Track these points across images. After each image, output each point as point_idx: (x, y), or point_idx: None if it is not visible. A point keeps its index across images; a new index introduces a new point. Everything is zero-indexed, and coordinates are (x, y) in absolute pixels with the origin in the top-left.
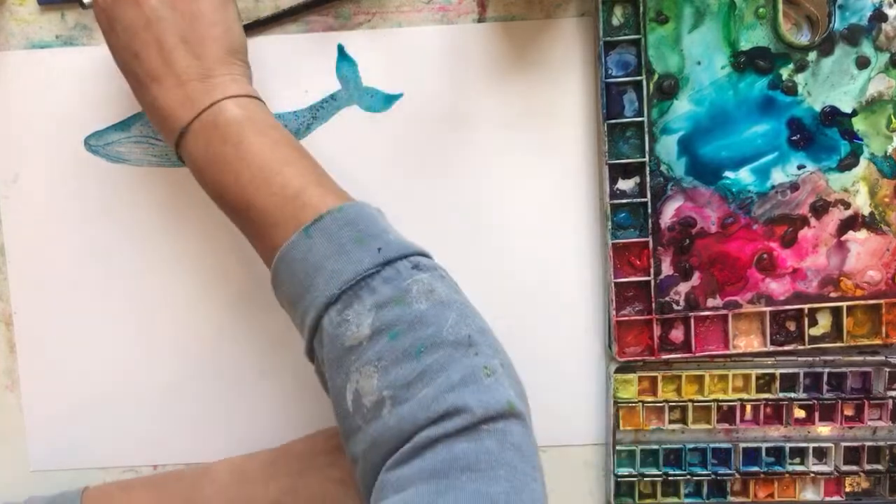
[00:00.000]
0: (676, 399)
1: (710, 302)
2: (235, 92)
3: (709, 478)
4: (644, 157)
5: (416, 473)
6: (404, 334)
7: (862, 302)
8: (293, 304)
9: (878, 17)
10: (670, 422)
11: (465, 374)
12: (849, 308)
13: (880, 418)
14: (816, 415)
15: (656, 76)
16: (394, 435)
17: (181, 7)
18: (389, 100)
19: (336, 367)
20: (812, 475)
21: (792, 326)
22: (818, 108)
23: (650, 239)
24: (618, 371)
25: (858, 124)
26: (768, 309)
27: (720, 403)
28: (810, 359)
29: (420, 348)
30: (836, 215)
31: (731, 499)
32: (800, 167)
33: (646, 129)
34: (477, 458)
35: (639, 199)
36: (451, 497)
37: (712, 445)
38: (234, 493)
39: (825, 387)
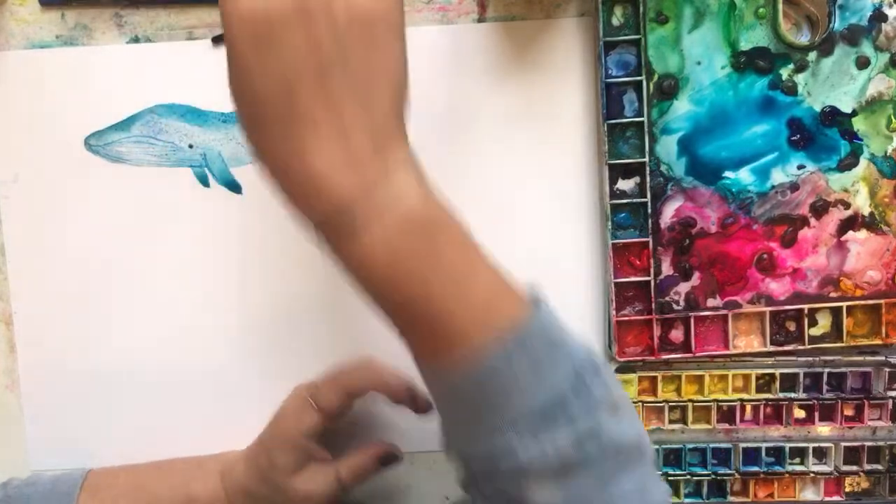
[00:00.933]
0: (676, 399)
1: (710, 302)
2: (412, 162)
3: (708, 478)
4: (644, 157)
5: None
6: (595, 460)
7: (862, 302)
8: (474, 416)
9: (878, 17)
10: (670, 422)
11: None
12: (849, 308)
13: (880, 418)
14: (816, 415)
15: (656, 76)
16: None
17: (366, 54)
18: None
19: (514, 483)
20: (812, 475)
21: (792, 326)
22: (818, 108)
23: (650, 239)
24: (618, 371)
25: (858, 124)
26: (768, 309)
27: (720, 403)
28: (810, 359)
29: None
30: (836, 215)
31: (730, 499)
32: (800, 167)
33: (646, 129)
34: None
35: (639, 199)
36: None
37: (712, 445)
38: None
39: (825, 387)
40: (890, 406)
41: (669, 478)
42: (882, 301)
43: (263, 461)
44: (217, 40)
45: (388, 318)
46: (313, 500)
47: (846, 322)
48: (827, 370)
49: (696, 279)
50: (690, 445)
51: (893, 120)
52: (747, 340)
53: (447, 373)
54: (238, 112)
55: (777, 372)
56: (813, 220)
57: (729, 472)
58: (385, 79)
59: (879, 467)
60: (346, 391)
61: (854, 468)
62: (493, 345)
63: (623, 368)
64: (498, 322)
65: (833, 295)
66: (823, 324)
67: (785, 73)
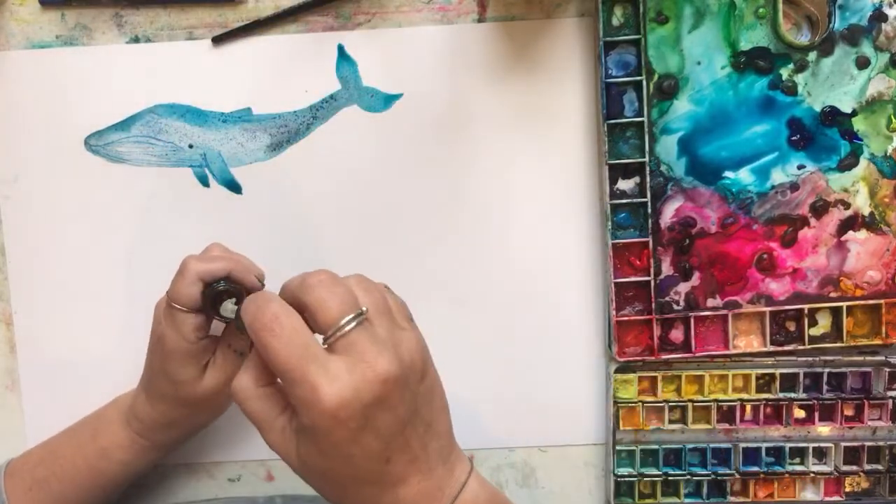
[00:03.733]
0: (676, 399)
1: (710, 302)
2: (468, 464)
3: (708, 478)
4: (644, 157)
5: None
6: None
7: (862, 302)
8: None
9: (878, 17)
10: (670, 422)
11: None
12: (849, 308)
13: (880, 418)
14: (816, 415)
15: (656, 76)
16: None
17: (425, 392)
18: (389, 100)
19: None
20: (812, 475)
21: (792, 326)
22: (818, 108)
23: (650, 239)
24: (618, 371)
25: (858, 124)
26: (768, 309)
27: (720, 403)
28: (810, 359)
29: None
30: (836, 215)
31: (730, 499)
32: (800, 167)
33: (646, 129)
34: None
35: (639, 199)
36: None
37: (712, 445)
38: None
39: (825, 387)
40: (890, 406)
41: (669, 478)
42: (882, 301)
43: (166, 387)
44: (217, 40)
45: None
46: (228, 384)
47: (846, 322)
48: (827, 370)
49: (696, 279)
50: (690, 445)
51: (893, 120)
52: (747, 340)
53: None
54: (319, 484)
55: (777, 372)
56: (813, 220)
57: (729, 472)
58: (441, 402)
59: (879, 467)
60: (200, 279)
61: (854, 468)
62: None
63: (623, 368)
64: None
65: (833, 295)
66: (823, 324)
67: (785, 73)
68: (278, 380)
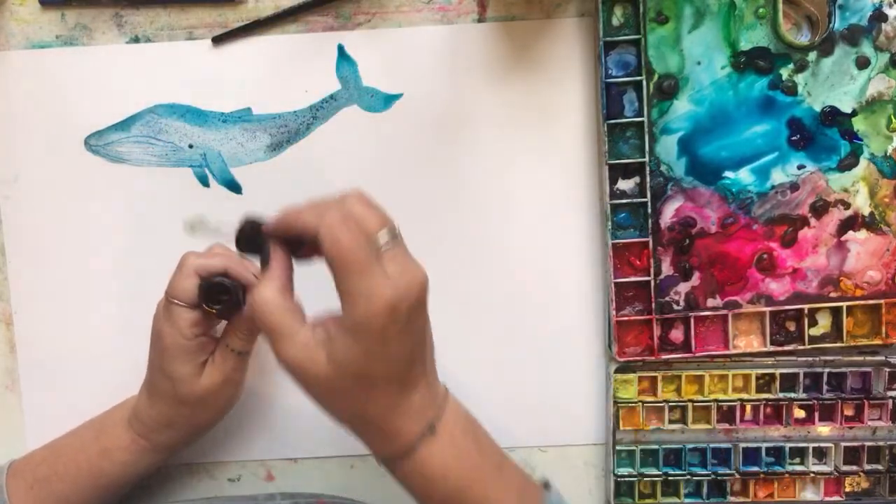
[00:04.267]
0: (676, 399)
1: (710, 302)
2: (443, 385)
3: (708, 478)
4: (644, 157)
5: None
6: None
7: (862, 302)
8: None
9: (878, 17)
10: (670, 422)
11: None
12: (849, 308)
13: (880, 418)
14: (816, 415)
15: (656, 76)
16: None
17: (425, 312)
18: (389, 100)
19: None
20: (812, 475)
21: (792, 326)
22: (818, 108)
23: (650, 239)
24: (618, 371)
25: (858, 124)
26: (768, 309)
27: (720, 403)
28: (810, 359)
29: None
30: (836, 215)
31: (730, 499)
32: (800, 167)
33: (646, 129)
34: None
35: (639, 199)
36: None
37: (712, 445)
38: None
39: (825, 387)
40: (890, 406)
41: (669, 478)
42: (882, 301)
43: (165, 384)
44: (217, 40)
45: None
46: (226, 385)
47: (846, 322)
48: (827, 370)
49: (696, 279)
50: (690, 445)
51: (893, 120)
52: (747, 340)
53: None
54: (346, 388)
55: (777, 372)
56: (813, 220)
57: (729, 472)
58: (430, 336)
59: (879, 467)
60: (196, 273)
61: (854, 468)
62: None
63: (623, 368)
64: (531, 501)
65: (833, 295)
66: (823, 324)
67: (785, 73)
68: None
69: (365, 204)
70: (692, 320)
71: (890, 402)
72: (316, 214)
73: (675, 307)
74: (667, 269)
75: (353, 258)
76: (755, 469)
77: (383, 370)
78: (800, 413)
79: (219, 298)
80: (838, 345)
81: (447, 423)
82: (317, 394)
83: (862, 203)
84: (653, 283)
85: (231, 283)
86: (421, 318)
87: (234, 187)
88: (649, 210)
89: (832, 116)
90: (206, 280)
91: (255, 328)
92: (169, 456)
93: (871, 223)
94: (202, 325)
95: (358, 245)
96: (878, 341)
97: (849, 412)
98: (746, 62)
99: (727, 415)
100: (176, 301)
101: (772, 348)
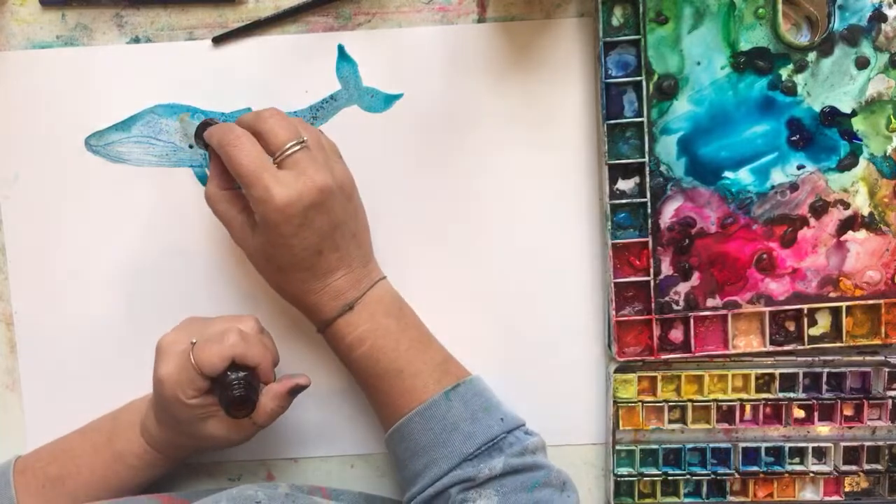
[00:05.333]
0: (676, 399)
1: (710, 302)
2: (382, 273)
3: (708, 478)
4: (644, 157)
5: None
6: (524, 473)
7: (861, 302)
8: (419, 453)
9: (878, 17)
10: (670, 422)
11: None
12: (848, 308)
13: (879, 418)
14: (816, 415)
15: (656, 76)
16: None
17: (352, 209)
18: (389, 100)
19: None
20: (811, 475)
21: (791, 326)
22: (818, 108)
23: (650, 239)
24: (617, 371)
25: (858, 124)
26: (768, 309)
27: (719, 403)
28: (809, 359)
29: (534, 484)
30: (836, 215)
31: (730, 498)
32: (799, 167)
33: (645, 130)
34: None
35: (638, 200)
36: None
37: (712, 445)
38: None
39: (824, 387)
40: (889, 406)
41: (669, 477)
42: (881, 301)
43: (166, 417)
44: (217, 40)
45: (360, 377)
46: (234, 441)
47: (846, 322)
48: (826, 370)
49: (695, 279)
50: (690, 445)
51: (893, 120)
52: (747, 340)
53: (395, 414)
54: (265, 267)
55: (776, 372)
56: (812, 221)
57: (728, 471)
58: (364, 222)
59: (879, 467)
60: (232, 357)
61: (853, 468)
62: (440, 396)
63: (623, 368)
64: (446, 380)
65: (832, 295)
66: (823, 324)
67: (784, 73)
68: (238, 188)
69: (277, 119)
70: (692, 320)
71: (889, 401)
72: (244, 124)
73: (675, 307)
74: (666, 269)
75: (244, 171)
76: (755, 469)
77: (288, 259)
78: (799, 413)
79: (240, 407)
80: (838, 345)
81: (368, 303)
82: (255, 265)
83: (861, 203)
84: (652, 283)
85: (254, 398)
86: (322, 216)
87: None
88: (649, 210)
89: (832, 117)
90: (234, 381)
91: (280, 410)
92: (179, 463)
93: (870, 223)
94: (202, 390)
95: (249, 160)
96: (877, 341)
97: (848, 412)
98: (746, 62)
99: (727, 415)
100: (196, 366)
101: (771, 348)
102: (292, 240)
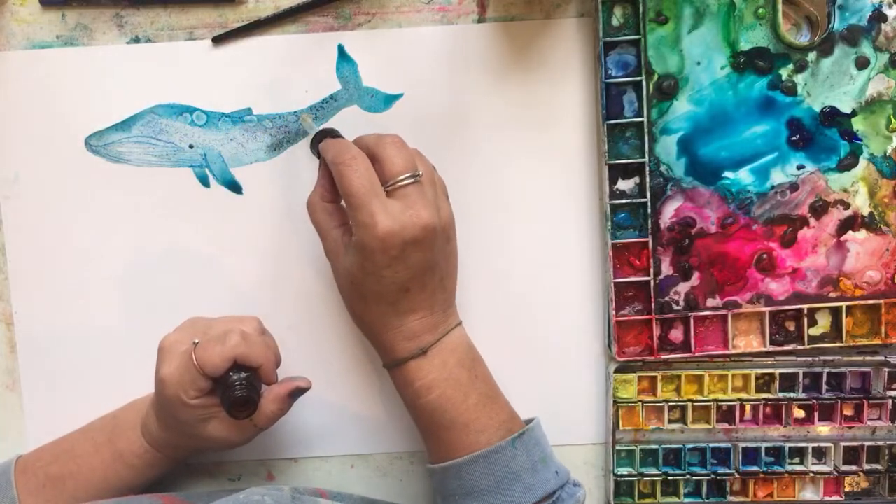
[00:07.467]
0: (676, 399)
1: (710, 302)
2: (459, 318)
3: (708, 477)
4: (644, 157)
5: None
6: None
7: (861, 302)
8: (475, 494)
9: (878, 17)
10: (670, 422)
11: None
12: (848, 308)
13: (879, 418)
14: (816, 415)
15: (656, 76)
16: None
17: (448, 252)
18: (389, 100)
19: None
20: (811, 475)
21: (791, 326)
22: (818, 108)
23: (650, 239)
24: (617, 371)
25: (858, 124)
26: (768, 309)
27: (719, 403)
28: (809, 359)
29: None
30: (836, 215)
31: (730, 498)
32: (799, 167)
33: (645, 130)
34: None
35: (638, 200)
36: None
37: (712, 445)
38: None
39: (824, 387)
40: (889, 406)
41: (669, 477)
42: (881, 301)
43: (168, 417)
44: (217, 40)
45: (422, 421)
46: (234, 443)
47: (845, 322)
48: (826, 370)
49: (695, 279)
50: (690, 445)
51: (893, 120)
52: (747, 340)
53: (452, 453)
54: (348, 291)
55: (776, 372)
56: (812, 221)
57: (728, 471)
58: (454, 266)
59: (879, 467)
60: (234, 358)
61: (853, 468)
62: (507, 443)
63: (623, 368)
64: (514, 426)
65: (832, 295)
66: (823, 324)
67: (784, 73)
68: (342, 203)
69: (397, 147)
70: (692, 320)
71: (889, 401)
72: (362, 145)
73: (675, 307)
74: (666, 269)
75: (353, 192)
76: (755, 469)
77: (374, 289)
78: (799, 413)
79: (242, 408)
80: (838, 345)
81: (442, 350)
82: (339, 285)
83: (861, 203)
84: (652, 283)
85: (255, 399)
86: (419, 254)
87: (235, 187)
88: (649, 210)
89: (832, 117)
90: (236, 381)
91: (280, 412)
92: (180, 463)
93: (870, 223)
94: (204, 391)
95: (360, 183)
96: (877, 341)
97: (848, 412)
98: (746, 62)
99: (727, 415)
100: (198, 366)
101: (771, 348)
102: (384, 270)
